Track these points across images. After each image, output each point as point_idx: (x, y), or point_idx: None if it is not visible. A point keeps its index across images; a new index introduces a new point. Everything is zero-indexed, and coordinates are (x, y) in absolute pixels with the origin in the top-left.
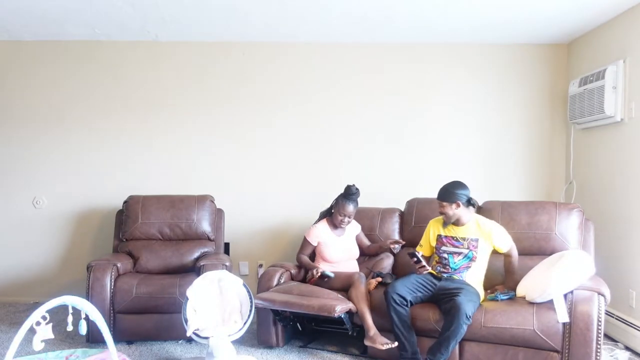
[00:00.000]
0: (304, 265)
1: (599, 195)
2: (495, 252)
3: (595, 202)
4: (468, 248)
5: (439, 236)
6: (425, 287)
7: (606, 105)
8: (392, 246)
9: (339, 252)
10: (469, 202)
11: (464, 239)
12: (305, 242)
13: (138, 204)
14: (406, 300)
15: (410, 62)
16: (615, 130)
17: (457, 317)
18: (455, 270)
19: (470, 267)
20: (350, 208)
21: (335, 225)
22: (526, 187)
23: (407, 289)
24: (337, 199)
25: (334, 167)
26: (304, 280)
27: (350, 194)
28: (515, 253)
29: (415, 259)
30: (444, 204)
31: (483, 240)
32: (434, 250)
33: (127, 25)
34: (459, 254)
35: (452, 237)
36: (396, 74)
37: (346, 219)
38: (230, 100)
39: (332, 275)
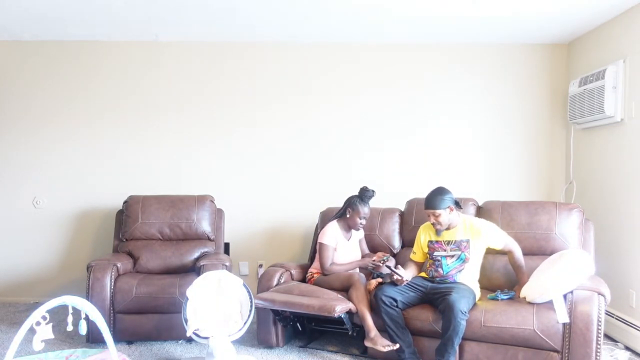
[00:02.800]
0: (344, 271)
1: (599, 195)
2: (493, 252)
3: (595, 202)
4: (460, 250)
5: (430, 242)
6: (415, 287)
7: (606, 105)
8: (377, 263)
9: (347, 255)
10: (457, 204)
11: (455, 241)
12: (325, 248)
13: (138, 204)
14: (396, 301)
15: (409, 62)
16: (615, 130)
17: (453, 315)
18: (447, 274)
19: (462, 269)
20: (367, 210)
21: (347, 227)
22: (526, 187)
23: (396, 290)
24: (351, 202)
25: (335, 167)
26: (303, 280)
27: (367, 196)
28: (514, 247)
29: (381, 278)
30: (439, 212)
31: (474, 239)
32: (427, 256)
33: (127, 25)
34: (452, 256)
35: (444, 242)
36: (395, 74)
37: (364, 221)
38: (230, 99)
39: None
